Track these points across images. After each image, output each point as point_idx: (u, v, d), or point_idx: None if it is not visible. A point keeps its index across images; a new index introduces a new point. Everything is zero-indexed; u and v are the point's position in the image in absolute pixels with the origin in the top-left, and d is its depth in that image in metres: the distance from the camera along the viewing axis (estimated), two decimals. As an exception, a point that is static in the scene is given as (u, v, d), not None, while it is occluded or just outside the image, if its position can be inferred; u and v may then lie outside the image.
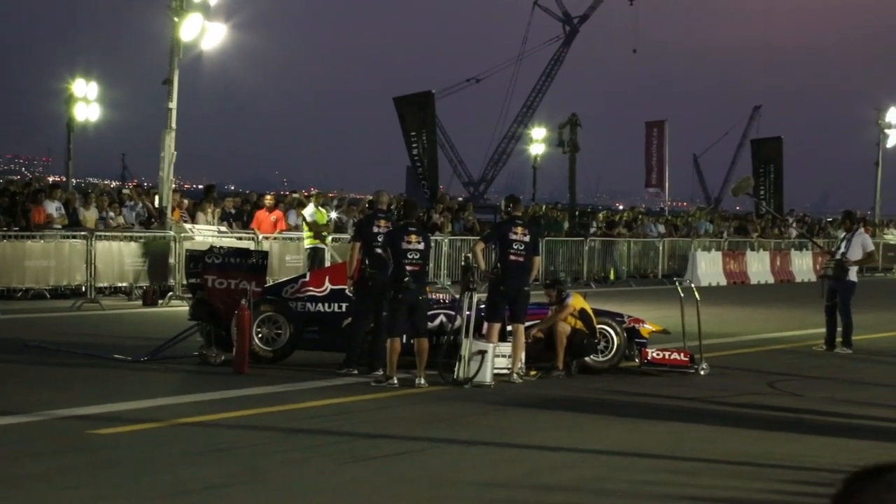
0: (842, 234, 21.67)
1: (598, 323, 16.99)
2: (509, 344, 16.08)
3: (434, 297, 16.91)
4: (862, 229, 22.19)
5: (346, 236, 27.77)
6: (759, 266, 42.04)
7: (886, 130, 57.87)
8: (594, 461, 11.05)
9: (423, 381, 15.20)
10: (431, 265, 28.37)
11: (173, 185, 28.82)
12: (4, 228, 25.46)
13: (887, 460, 2.02)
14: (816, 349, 20.83)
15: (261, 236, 28.71)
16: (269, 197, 32.13)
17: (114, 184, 61.48)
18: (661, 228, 44.19)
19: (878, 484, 1.98)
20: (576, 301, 16.96)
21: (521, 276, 16.24)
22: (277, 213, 30.18)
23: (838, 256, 21.05)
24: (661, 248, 41.31)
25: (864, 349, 20.89)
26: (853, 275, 21.11)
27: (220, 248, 17.38)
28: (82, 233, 26.14)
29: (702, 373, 16.98)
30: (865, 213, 62.01)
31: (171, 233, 27.24)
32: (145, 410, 12.87)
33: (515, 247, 16.25)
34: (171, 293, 26.21)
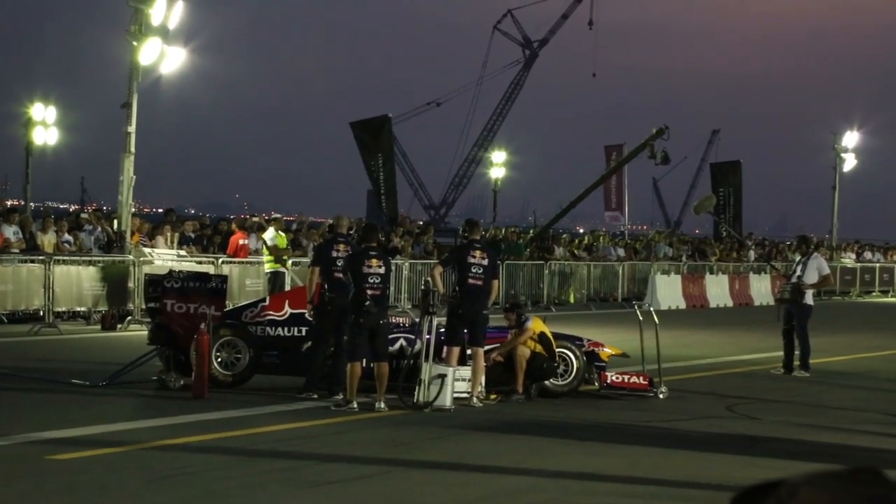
0: (797, 258, 21.82)
1: (558, 346, 17.03)
2: (469, 368, 16.11)
3: (394, 321, 16.93)
4: (817, 253, 22.39)
5: (306, 260, 27.73)
6: (718, 289, 42.22)
7: (843, 155, 58.28)
8: (553, 485, 11.08)
9: (382, 405, 15.19)
10: (391, 289, 28.35)
11: (132, 209, 28.72)
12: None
13: (769, 479, 1.99)
14: (774, 372, 20.96)
15: (220, 260, 28.63)
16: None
17: (73, 207, 61.15)
18: (621, 252, 44.34)
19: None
20: (535, 325, 17.00)
21: (479, 300, 16.28)
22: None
23: (794, 280, 21.21)
24: (620, 271, 41.45)
25: (821, 372, 21.04)
26: (809, 298, 21.26)
27: (180, 272, 17.34)
28: (40, 257, 25.98)
29: (661, 396, 17.06)
30: (823, 236, 62.48)
31: (130, 257, 27.13)
32: (104, 435, 12.81)
33: (474, 270, 16.30)
34: (130, 317, 26.08)
